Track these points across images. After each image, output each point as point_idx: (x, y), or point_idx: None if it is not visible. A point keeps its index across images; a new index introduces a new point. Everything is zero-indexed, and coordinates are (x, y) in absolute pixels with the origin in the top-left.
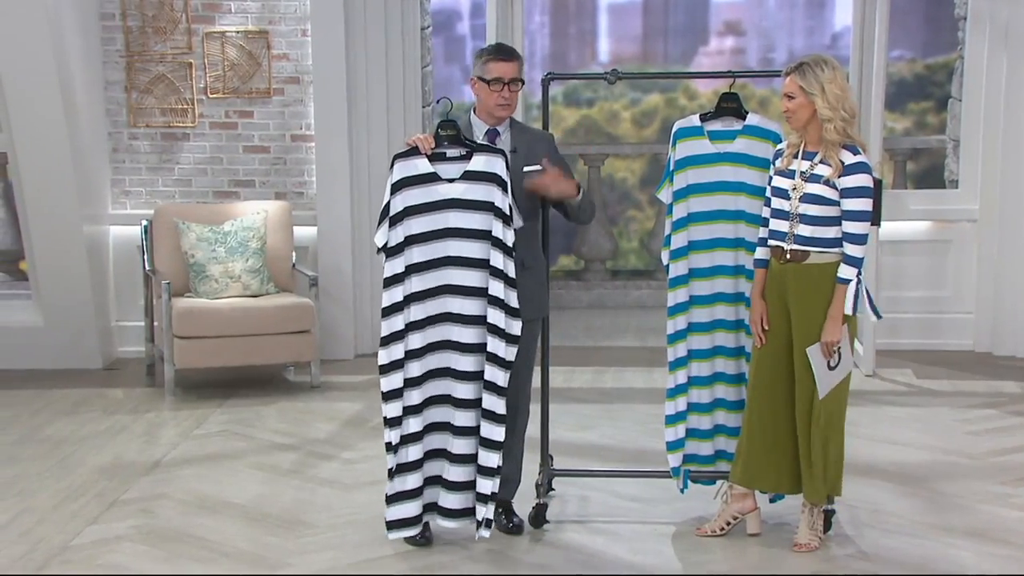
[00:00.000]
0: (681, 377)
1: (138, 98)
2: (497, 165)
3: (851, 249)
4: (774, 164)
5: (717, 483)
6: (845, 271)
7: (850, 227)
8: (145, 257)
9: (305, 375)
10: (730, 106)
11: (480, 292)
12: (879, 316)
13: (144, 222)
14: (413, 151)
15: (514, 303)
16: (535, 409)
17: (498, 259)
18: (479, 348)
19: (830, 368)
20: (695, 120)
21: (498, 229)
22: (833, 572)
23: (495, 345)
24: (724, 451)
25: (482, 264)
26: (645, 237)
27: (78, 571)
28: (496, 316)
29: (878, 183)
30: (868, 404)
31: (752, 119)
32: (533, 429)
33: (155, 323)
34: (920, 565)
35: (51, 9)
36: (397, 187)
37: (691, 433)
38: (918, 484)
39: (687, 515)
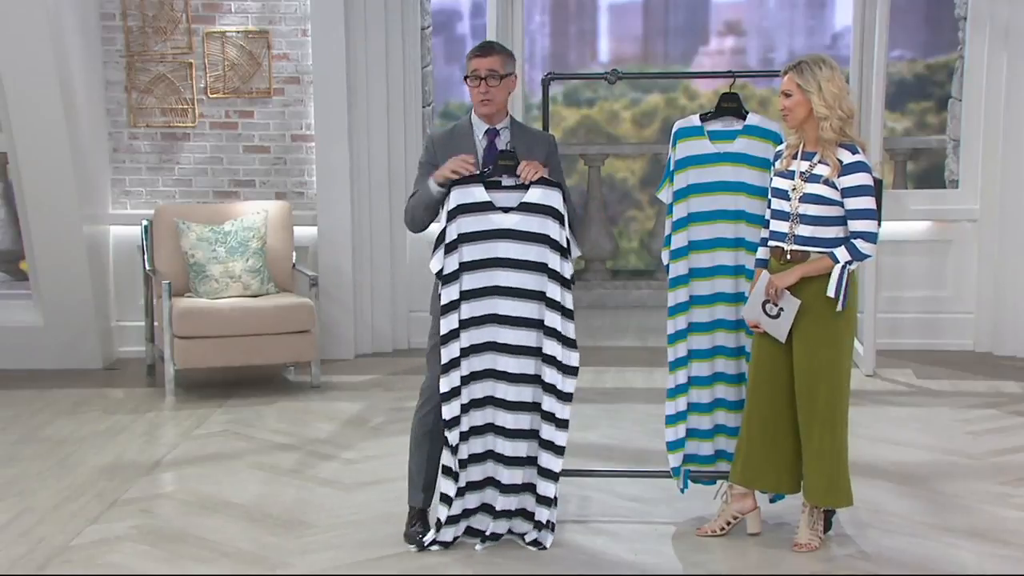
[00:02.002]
0: (681, 377)
1: (138, 98)
2: (554, 198)
3: (861, 245)
4: (774, 165)
5: (717, 483)
6: (841, 253)
7: (859, 225)
8: (145, 257)
9: (305, 375)
10: (730, 106)
11: (525, 322)
12: (843, 307)
13: (144, 222)
14: (471, 178)
15: (571, 334)
16: None
17: (555, 291)
18: (523, 378)
19: (766, 312)
20: (695, 120)
21: (555, 262)
22: (833, 572)
23: (552, 376)
24: (724, 451)
25: (530, 295)
26: (645, 237)
27: (78, 571)
28: (552, 347)
29: (878, 183)
30: (868, 404)
31: (752, 119)
32: None
33: (155, 323)
34: (920, 565)
35: (51, 9)
36: (453, 214)
37: (691, 433)
38: (918, 484)
39: (687, 515)
